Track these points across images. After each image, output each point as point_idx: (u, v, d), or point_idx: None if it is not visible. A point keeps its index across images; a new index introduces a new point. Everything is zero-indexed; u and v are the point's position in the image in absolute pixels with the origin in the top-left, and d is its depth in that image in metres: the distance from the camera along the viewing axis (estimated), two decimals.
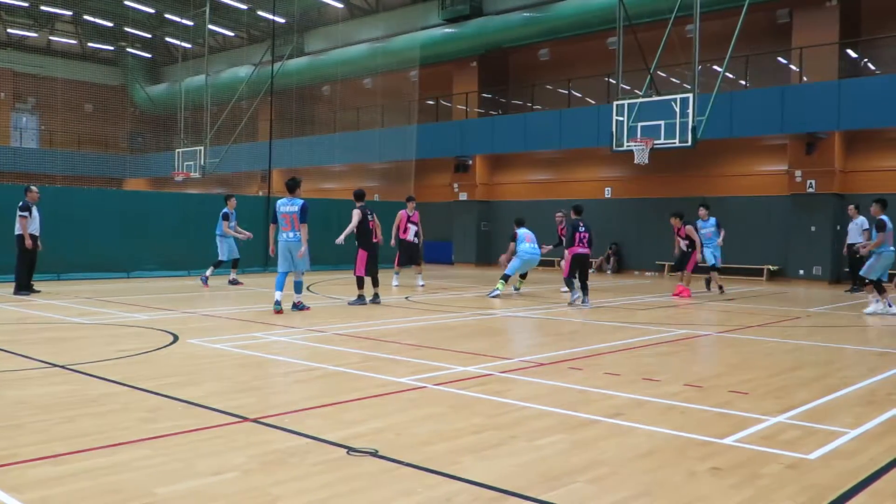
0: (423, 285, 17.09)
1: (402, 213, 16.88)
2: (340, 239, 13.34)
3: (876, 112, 18.61)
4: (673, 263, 18.17)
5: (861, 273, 12.73)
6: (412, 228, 16.80)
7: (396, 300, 13.99)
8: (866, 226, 16.59)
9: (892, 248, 12.38)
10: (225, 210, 16.83)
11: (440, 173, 29.04)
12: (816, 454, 4.52)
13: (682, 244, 15.96)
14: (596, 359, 7.88)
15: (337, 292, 15.47)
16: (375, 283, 13.32)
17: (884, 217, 12.46)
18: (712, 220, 16.45)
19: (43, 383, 6.26)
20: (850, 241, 17.15)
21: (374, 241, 13.42)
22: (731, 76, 21.88)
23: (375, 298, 13.21)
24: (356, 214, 13.19)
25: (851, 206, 17.36)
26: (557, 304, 13.81)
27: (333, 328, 9.88)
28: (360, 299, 13.06)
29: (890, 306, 12.34)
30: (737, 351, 8.61)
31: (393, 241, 16.91)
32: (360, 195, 13.69)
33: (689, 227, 15.85)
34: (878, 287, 12.42)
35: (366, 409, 5.54)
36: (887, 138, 20.39)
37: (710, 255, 16.18)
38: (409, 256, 17.02)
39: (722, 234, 16.56)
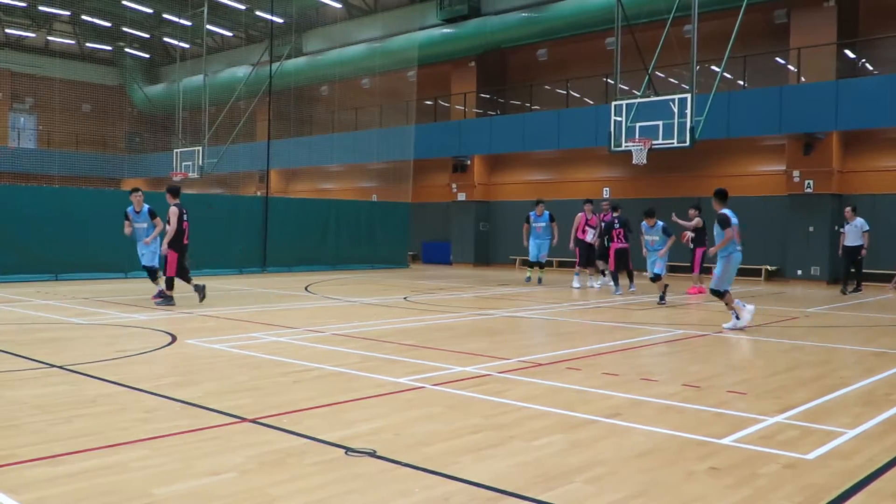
0: (597, 287, 17.70)
1: (581, 216, 17.66)
2: (164, 248, 12.25)
3: (873, 112, 18.64)
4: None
5: (712, 287, 10.51)
6: (590, 231, 17.53)
7: (395, 300, 13.98)
8: (866, 227, 16.52)
9: (740, 249, 10.64)
10: (130, 208, 13.33)
11: (438, 173, 29.05)
12: (814, 454, 4.52)
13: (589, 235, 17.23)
14: (594, 359, 7.88)
15: (335, 292, 15.46)
16: (187, 280, 12.62)
17: (726, 211, 10.59)
18: (659, 225, 14.46)
19: (41, 384, 6.25)
20: (850, 243, 16.64)
21: (185, 242, 12.42)
22: (728, 76, 21.90)
23: (168, 300, 12.37)
24: (174, 213, 12.16)
25: (848, 209, 17.05)
26: (556, 304, 13.81)
27: (332, 328, 9.88)
28: (169, 300, 12.30)
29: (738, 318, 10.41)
30: (735, 351, 8.62)
31: (571, 244, 17.69)
32: (175, 191, 12.68)
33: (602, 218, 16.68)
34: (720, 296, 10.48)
35: (364, 409, 5.54)
36: (885, 138, 20.41)
37: (651, 265, 14.51)
38: (587, 257, 17.77)
39: (668, 243, 14.46)
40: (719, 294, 10.43)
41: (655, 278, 14.23)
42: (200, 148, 28.03)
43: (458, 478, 4.01)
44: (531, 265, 18.21)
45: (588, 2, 23.88)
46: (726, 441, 4.78)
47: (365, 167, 31.74)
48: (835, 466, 4.32)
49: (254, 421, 5.11)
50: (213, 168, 28.31)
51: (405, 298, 14.38)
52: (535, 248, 18.01)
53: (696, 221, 16.17)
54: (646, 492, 3.88)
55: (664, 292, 14.03)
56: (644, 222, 14.48)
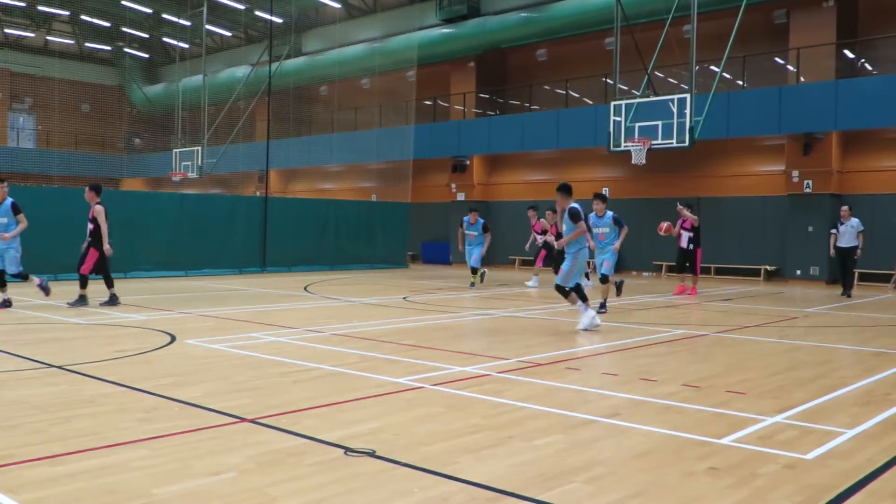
0: (529, 286, 17.77)
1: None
2: (107, 248, 12.02)
3: (873, 112, 18.65)
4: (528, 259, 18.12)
5: (558, 282, 10.16)
6: (536, 236, 18.13)
7: (394, 300, 13.98)
8: (861, 227, 16.43)
9: (587, 246, 10.23)
10: None
11: (438, 173, 29.06)
12: (813, 454, 4.53)
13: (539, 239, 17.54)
14: (593, 359, 7.88)
15: (334, 292, 15.46)
16: (110, 284, 12.32)
17: (577, 205, 10.06)
18: (609, 215, 12.46)
19: (40, 384, 6.25)
20: (843, 244, 16.24)
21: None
22: (728, 76, 21.92)
23: (83, 301, 12.05)
24: (103, 212, 11.87)
25: (844, 208, 16.64)
26: (556, 304, 13.80)
27: (331, 328, 9.88)
28: (82, 300, 12.00)
29: (601, 308, 10.05)
30: (734, 351, 8.62)
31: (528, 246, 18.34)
32: (99, 189, 12.20)
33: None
34: (580, 294, 10.08)
35: (363, 409, 5.54)
36: (884, 138, 20.42)
37: (600, 263, 12.58)
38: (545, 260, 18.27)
39: (622, 235, 12.50)
40: (563, 291, 10.07)
41: (604, 280, 12.44)
42: (199, 148, 28.03)
43: (458, 478, 4.01)
44: (474, 271, 17.41)
45: (587, 2, 23.89)
46: (726, 441, 4.78)
47: (364, 167, 31.74)
48: (834, 466, 4.32)
49: (253, 421, 5.11)
50: (212, 168, 28.31)
51: (405, 298, 14.38)
52: (469, 254, 17.51)
53: (694, 219, 16.13)
54: (645, 492, 3.88)
55: (606, 298, 12.56)
56: (592, 213, 12.42)
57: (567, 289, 10.06)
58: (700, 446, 4.67)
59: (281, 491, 3.79)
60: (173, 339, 8.75)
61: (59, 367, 6.91)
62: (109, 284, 12.30)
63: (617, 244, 12.37)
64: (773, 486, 3.98)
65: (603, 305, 12.33)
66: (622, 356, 8.11)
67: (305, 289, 16.35)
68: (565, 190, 10.16)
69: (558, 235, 14.85)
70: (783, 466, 4.29)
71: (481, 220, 17.59)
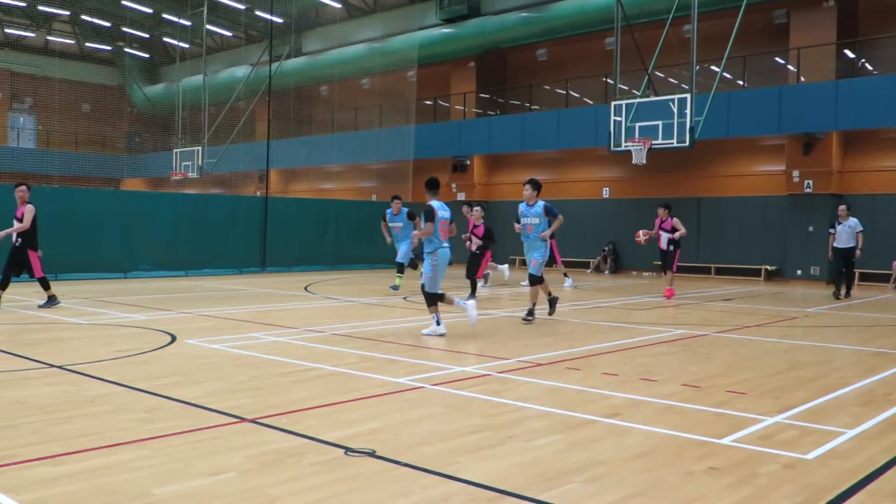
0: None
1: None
2: (15, 237, 11.50)
3: (873, 112, 18.64)
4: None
5: (427, 290, 9.37)
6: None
7: (394, 300, 13.98)
8: (860, 227, 16.25)
9: (446, 245, 9.49)
10: None
11: (438, 173, 28.87)
12: (814, 454, 4.53)
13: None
14: (593, 359, 7.88)
15: (334, 292, 15.46)
16: (4, 286, 11.77)
17: (432, 203, 9.40)
18: (540, 204, 10.85)
19: (40, 384, 6.25)
20: (841, 244, 15.76)
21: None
22: (728, 76, 21.91)
23: (53, 300, 11.89)
24: (32, 211, 11.56)
25: (842, 207, 16.14)
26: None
27: (331, 328, 9.88)
28: (52, 300, 11.83)
29: (438, 324, 9.29)
30: (734, 351, 8.62)
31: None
32: (29, 186, 11.92)
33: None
34: (438, 298, 9.35)
35: (363, 409, 5.54)
36: (885, 138, 20.42)
37: (529, 261, 11.01)
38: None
39: (553, 225, 10.81)
40: (435, 297, 9.32)
41: (532, 281, 10.83)
42: (200, 148, 28.04)
43: (458, 478, 4.01)
44: (400, 269, 15.46)
45: (588, 2, 23.89)
46: (726, 441, 4.78)
47: (365, 167, 31.73)
48: (834, 466, 4.32)
49: (253, 421, 5.11)
50: (212, 168, 28.32)
51: (405, 298, 14.37)
52: (403, 249, 15.47)
53: (675, 222, 15.94)
54: (645, 492, 3.88)
55: (551, 302, 11.15)
56: (523, 203, 10.97)
57: (432, 294, 9.31)
58: (700, 446, 4.67)
59: (281, 491, 3.79)
60: (173, 339, 8.75)
61: (59, 367, 6.91)
62: (46, 286, 11.86)
63: (547, 232, 10.69)
64: (773, 486, 3.98)
65: (531, 312, 10.77)
66: (622, 356, 8.11)
67: (306, 289, 16.35)
68: (431, 185, 9.68)
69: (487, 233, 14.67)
70: (783, 466, 4.30)
71: (405, 209, 15.41)
